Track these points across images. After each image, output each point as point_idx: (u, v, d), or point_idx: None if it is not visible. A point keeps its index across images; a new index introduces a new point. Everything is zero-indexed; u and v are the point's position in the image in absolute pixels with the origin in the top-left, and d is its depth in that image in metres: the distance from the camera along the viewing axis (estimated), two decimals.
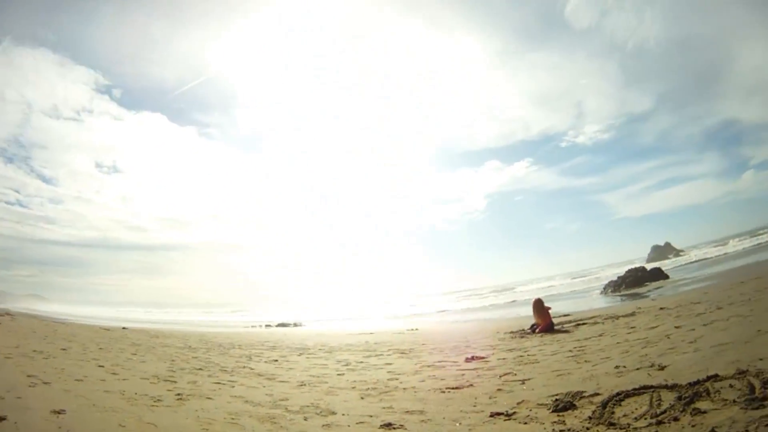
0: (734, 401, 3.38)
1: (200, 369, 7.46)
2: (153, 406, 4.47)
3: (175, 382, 6.02)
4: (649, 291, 19.38)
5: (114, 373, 6.51)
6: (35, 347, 8.95)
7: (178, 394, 5.11)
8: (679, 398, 3.66)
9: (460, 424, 3.87)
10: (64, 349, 9.27)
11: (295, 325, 32.47)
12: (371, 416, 4.21)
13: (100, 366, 7.19)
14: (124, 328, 21.64)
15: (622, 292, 23.15)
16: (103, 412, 4.05)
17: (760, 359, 4.12)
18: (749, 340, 5.06)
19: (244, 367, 7.93)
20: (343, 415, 4.32)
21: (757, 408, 3.16)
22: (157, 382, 5.91)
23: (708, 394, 3.62)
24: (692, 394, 3.64)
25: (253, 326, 32.65)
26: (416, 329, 16.51)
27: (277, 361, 8.85)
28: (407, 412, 4.34)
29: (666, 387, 4.03)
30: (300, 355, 9.95)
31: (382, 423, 3.95)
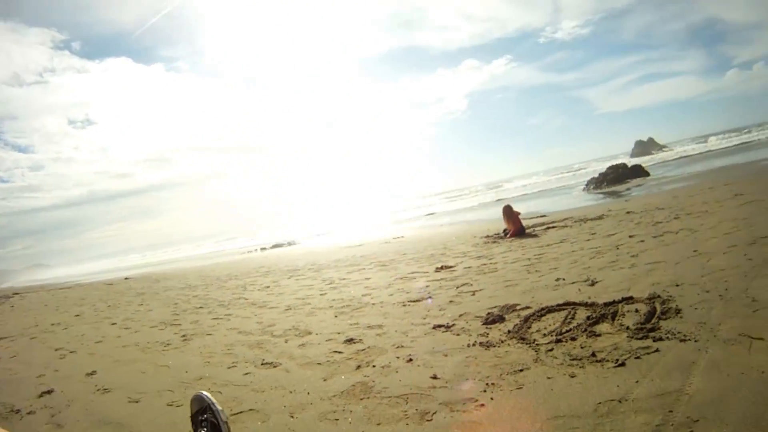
0: (627, 327, 3.70)
1: (200, 307, 8.61)
2: (164, 350, 5.57)
3: (180, 324, 7.14)
4: (627, 189, 20.07)
5: (126, 328, 7.66)
6: (52, 320, 10.11)
7: (183, 336, 6.21)
8: (588, 318, 4.02)
9: (407, 335, 4.60)
10: (77, 315, 10.45)
11: (289, 244, 33.50)
12: (339, 333, 5.08)
13: (113, 324, 8.35)
14: (126, 278, 22.90)
15: (603, 189, 23.98)
16: (126, 365, 5.14)
17: (678, 285, 4.52)
18: (681, 260, 5.47)
19: (239, 298, 9.05)
20: (317, 334, 5.21)
21: (641, 338, 3.42)
22: (164, 328, 7.02)
23: (614, 317, 3.97)
24: (599, 316, 4.02)
25: (249, 251, 33.96)
26: (402, 237, 17.58)
27: (268, 287, 9.95)
28: (369, 327, 5.16)
29: (585, 305, 4.46)
30: (290, 277, 11.07)
31: (345, 339, 4.79)
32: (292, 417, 3.14)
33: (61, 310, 12.42)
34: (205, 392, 2.65)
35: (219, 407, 2.53)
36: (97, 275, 36.48)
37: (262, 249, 33.65)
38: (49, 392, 4.43)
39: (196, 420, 2.55)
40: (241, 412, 3.27)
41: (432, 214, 36.25)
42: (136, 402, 3.84)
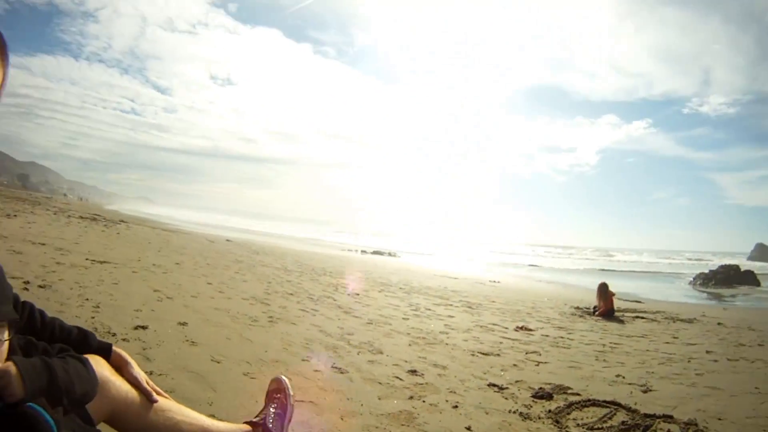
0: None
1: (291, 294, 9.25)
2: (250, 325, 6.16)
3: (269, 305, 7.75)
4: (732, 295, 19.36)
5: (220, 291, 8.38)
6: (153, 261, 11.07)
7: (270, 317, 6.80)
8: (623, 423, 4.16)
9: (463, 384, 4.92)
10: (177, 264, 11.39)
11: (390, 254, 34.60)
12: (406, 361, 5.46)
13: (209, 283, 9.11)
14: (228, 240, 24.49)
15: (708, 288, 23.14)
16: (215, 327, 5.76)
17: (720, 419, 4.47)
18: (738, 394, 5.37)
19: (328, 297, 9.62)
20: (387, 356, 5.62)
21: None
22: (254, 304, 7.66)
23: (645, 430, 4.05)
24: (633, 425, 4.11)
25: (349, 250, 35.00)
26: (497, 282, 17.93)
27: (359, 294, 10.55)
28: (434, 365, 5.52)
29: (627, 409, 4.53)
30: (380, 291, 11.65)
31: (410, 369, 5.16)
32: (341, 419, 3.60)
33: (163, 252, 13.51)
34: (284, 377, 3.20)
35: (291, 392, 3.06)
36: (200, 227, 39.11)
37: (363, 252, 34.61)
38: (143, 327, 5.08)
39: (270, 396, 3.09)
40: (302, 401, 3.73)
41: (534, 266, 36.01)
42: (218, 362, 4.44)
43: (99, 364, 1.99)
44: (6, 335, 1.57)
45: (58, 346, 1.93)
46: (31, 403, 1.49)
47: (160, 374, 3.88)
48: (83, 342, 2.12)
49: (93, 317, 5.17)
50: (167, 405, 2.22)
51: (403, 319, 8.30)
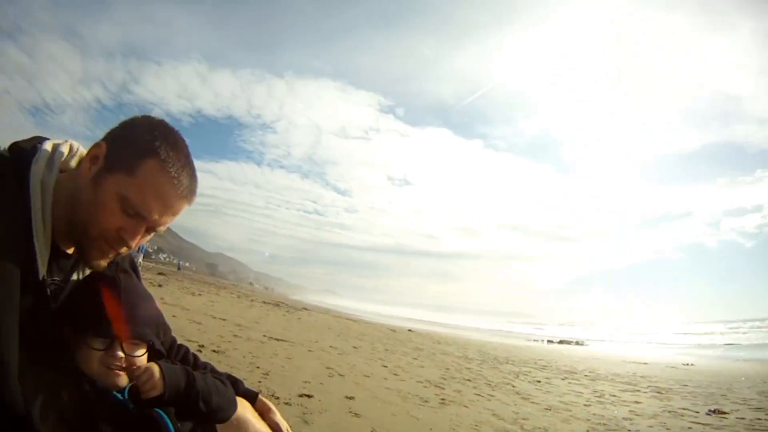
0: None
1: (468, 380, 8.89)
2: (420, 405, 5.94)
3: (443, 388, 7.48)
4: None
5: (395, 374, 8.30)
6: (331, 343, 11.45)
7: (442, 399, 6.52)
8: None
9: None
10: (355, 347, 11.62)
11: (577, 343, 33.23)
12: None
13: (384, 366, 9.11)
14: (410, 330, 24.70)
15: None
16: (382, 403, 5.64)
17: None
18: None
19: (507, 384, 9.16)
20: None
21: None
22: (428, 387, 7.44)
23: None
24: None
25: (534, 340, 34.19)
26: (691, 365, 16.48)
27: (539, 382, 9.96)
28: None
29: None
30: (564, 379, 10.95)
31: None
32: None
33: (342, 337, 13.94)
34: None
35: None
36: (382, 318, 40.06)
37: (549, 341, 33.86)
38: (308, 396, 5.07)
39: None
40: None
41: (731, 345, 32.27)
42: None
43: (242, 405, 2.00)
44: (142, 353, 1.71)
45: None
46: (158, 409, 1.61)
47: None
48: (232, 385, 2.14)
49: (260, 382, 5.28)
50: None
51: (585, 405, 7.65)
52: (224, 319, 11.20)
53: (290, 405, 4.61)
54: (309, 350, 9.22)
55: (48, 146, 1.65)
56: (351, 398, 5.56)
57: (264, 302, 22.61)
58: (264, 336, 9.65)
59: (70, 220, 1.60)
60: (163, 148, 1.58)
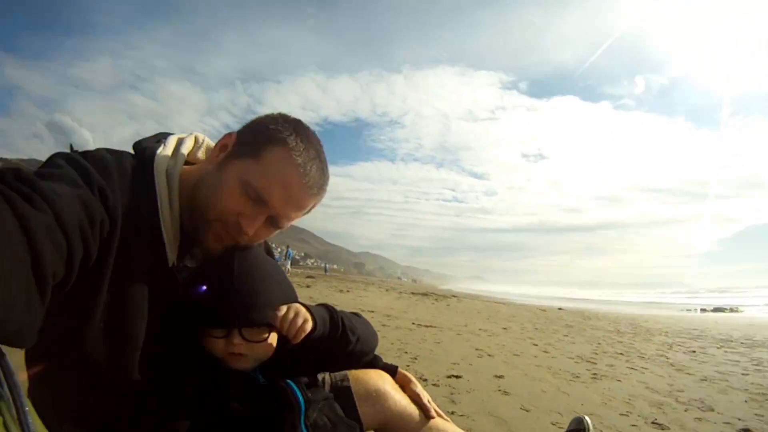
0: None
1: (621, 354, 8.57)
2: (570, 380, 5.83)
3: (595, 363, 7.29)
4: None
5: (545, 351, 8.20)
6: (480, 326, 11.44)
7: (594, 374, 6.36)
8: None
9: None
10: (504, 329, 11.55)
11: (732, 310, 31.19)
12: (739, 419, 4.61)
13: (534, 344, 9.02)
14: (559, 308, 24.08)
15: None
16: (532, 380, 5.58)
17: None
18: None
19: (661, 355, 8.74)
20: (718, 413, 4.82)
21: None
22: (579, 362, 7.28)
23: None
24: None
25: (687, 309, 32.26)
26: None
27: (694, 352, 9.38)
28: None
29: None
30: (719, 348, 10.24)
31: (742, 427, 4.34)
32: None
33: (491, 320, 13.90)
34: (587, 418, 2.91)
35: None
36: (531, 299, 39.34)
37: (702, 310, 31.85)
38: (456, 377, 5.17)
39: None
40: None
41: None
42: (526, 411, 4.24)
43: (382, 377, 2.02)
44: (264, 336, 1.68)
45: None
46: (289, 381, 1.65)
47: (462, 415, 3.83)
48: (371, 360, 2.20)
49: (408, 366, 5.45)
50: (444, 426, 2.14)
51: (743, 374, 7.10)
52: (372, 311, 11.57)
53: (438, 386, 4.71)
54: (458, 334, 9.30)
55: (173, 139, 1.71)
56: (500, 377, 5.58)
57: (412, 293, 22.95)
58: (412, 324, 9.84)
59: (192, 206, 1.59)
60: (292, 138, 1.56)
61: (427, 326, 9.67)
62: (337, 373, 1.90)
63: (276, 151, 1.55)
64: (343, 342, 1.82)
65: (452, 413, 3.75)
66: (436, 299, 20.55)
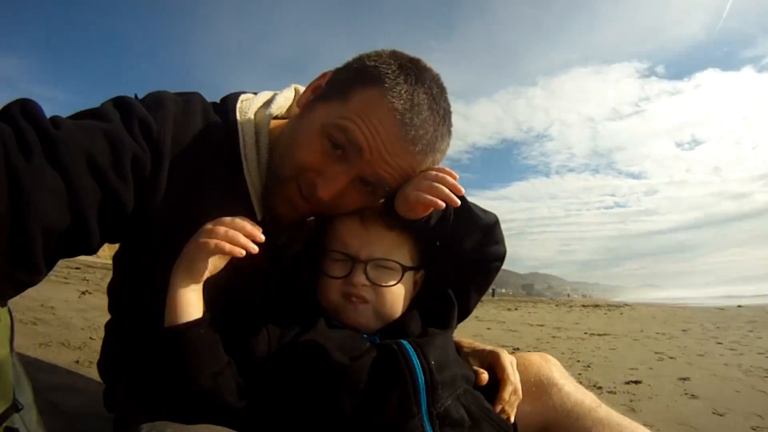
0: None
1: None
2: (766, 377, 4.72)
3: None
4: None
5: (731, 349, 6.91)
6: (657, 330, 10.14)
7: None
8: None
9: None
10: (684, 330, 10.16)
11: None
12: None
13: (718, 343, 7.72)
14: (739, 306, 21.13)
15: None
16: (722, 381, 4.52)
17: None
18: None
19: None
20: None
21: None
22: None
23: None
24: None
25: None
26: None
27: None
28: None
29: None
30: None
31: None
32: None
33: (668, 323, 12.33)
34: None
35: None
36: (707, 300, 35.10)
37: None
38: (636, 382, 4.28)
39: None
40: None
41: None
42: (720, 415, 3.30)
43: (548, 362, 1.47)
44: (391, 281, 1.23)
45: None
46: (404, 341, 1.10)
47: (644, 424, 3.00)
48: None
49: (580, 374, 4.65)
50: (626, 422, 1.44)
51: None
52: (542, 325, 10.62)
53: (615, 393, 3.87)
54: (634, 339, 8.20)
55: (267, 92, 1.35)
56: (685, 379, 4.56)
57: (583, 306, 21.32)
58: (585, 333, 8.87)
59: (269, 163, 1.22)
60: (392, 76, 1.10)
61: (600, 335, 8.63)
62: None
63: (369, 91, 1.10)
64: (472, 219, 1.27)
65: None
66: (608, 309, 18.82)
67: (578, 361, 5.46)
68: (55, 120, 0.94)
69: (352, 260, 1.20)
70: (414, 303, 1.32)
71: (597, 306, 21.35)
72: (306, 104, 1.22)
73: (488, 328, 9.24)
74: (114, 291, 1.40)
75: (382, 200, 1.24)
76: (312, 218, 1.32)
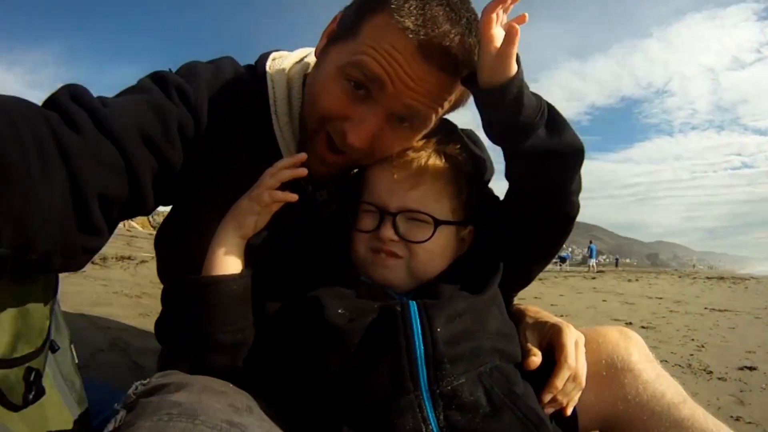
0: None
1: None
2: None
3: None
4: None
5: None
6: None
7: None
8: None
9: None
10: None
11: None
12: None
13: None
14: None
15: None
16: None
17: None
18: None
19: None
20: None
21: None
22: None
23: None
24: None
25: None
26: None
27: None
28: None
29: None
30: None
31: None
32: None
33: None
34: None
35: None
36: None
37: None
38: (751, 368, 3.75)
39: None
40: None
41: None
42: None
43: (627, 338, 1.20)
44: (422, 236, 1.08)
45: None
46: (413, 302, 0.97)
47: (750, 422, 2.56)
48: None
49: (692, 354, 4.24)
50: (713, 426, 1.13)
51: None
52: (660, 298, 9.86)
53: (725, 380, 3.42)
54: (756, 317, 7.39)
55: (304, 49, 1.30)
56: None
57: (707, 278, 19.68)
58: (704, 308, 8.17)
59: (301, 116, 1.18)
60: None
61: (721, 311, 7.89)
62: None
63: (375, 18, 1.01)
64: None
65: (737, 419, 2.58)
66: (733, 282, 17.24)
67: (693, 339, 5.01)
68: (102, 99, 0.96)
69: (380, 212, 1.10)
70: (466, 262, 1.16)
71: (722, 278, 19.63)
72: (321, 51, 1.15)
73: (604, 300, 8.78)
74: (161, 259, 1.43)
75: (421, 139, 1.16)
76: (356, 170, 1.25)
